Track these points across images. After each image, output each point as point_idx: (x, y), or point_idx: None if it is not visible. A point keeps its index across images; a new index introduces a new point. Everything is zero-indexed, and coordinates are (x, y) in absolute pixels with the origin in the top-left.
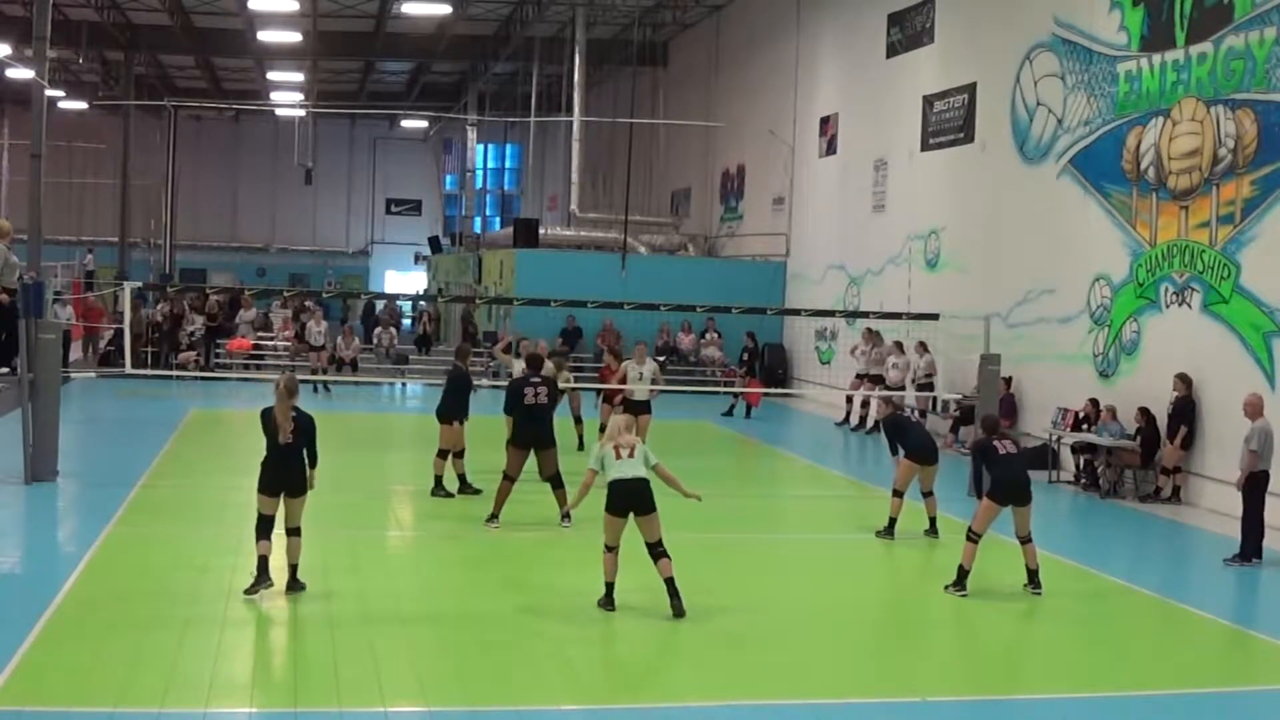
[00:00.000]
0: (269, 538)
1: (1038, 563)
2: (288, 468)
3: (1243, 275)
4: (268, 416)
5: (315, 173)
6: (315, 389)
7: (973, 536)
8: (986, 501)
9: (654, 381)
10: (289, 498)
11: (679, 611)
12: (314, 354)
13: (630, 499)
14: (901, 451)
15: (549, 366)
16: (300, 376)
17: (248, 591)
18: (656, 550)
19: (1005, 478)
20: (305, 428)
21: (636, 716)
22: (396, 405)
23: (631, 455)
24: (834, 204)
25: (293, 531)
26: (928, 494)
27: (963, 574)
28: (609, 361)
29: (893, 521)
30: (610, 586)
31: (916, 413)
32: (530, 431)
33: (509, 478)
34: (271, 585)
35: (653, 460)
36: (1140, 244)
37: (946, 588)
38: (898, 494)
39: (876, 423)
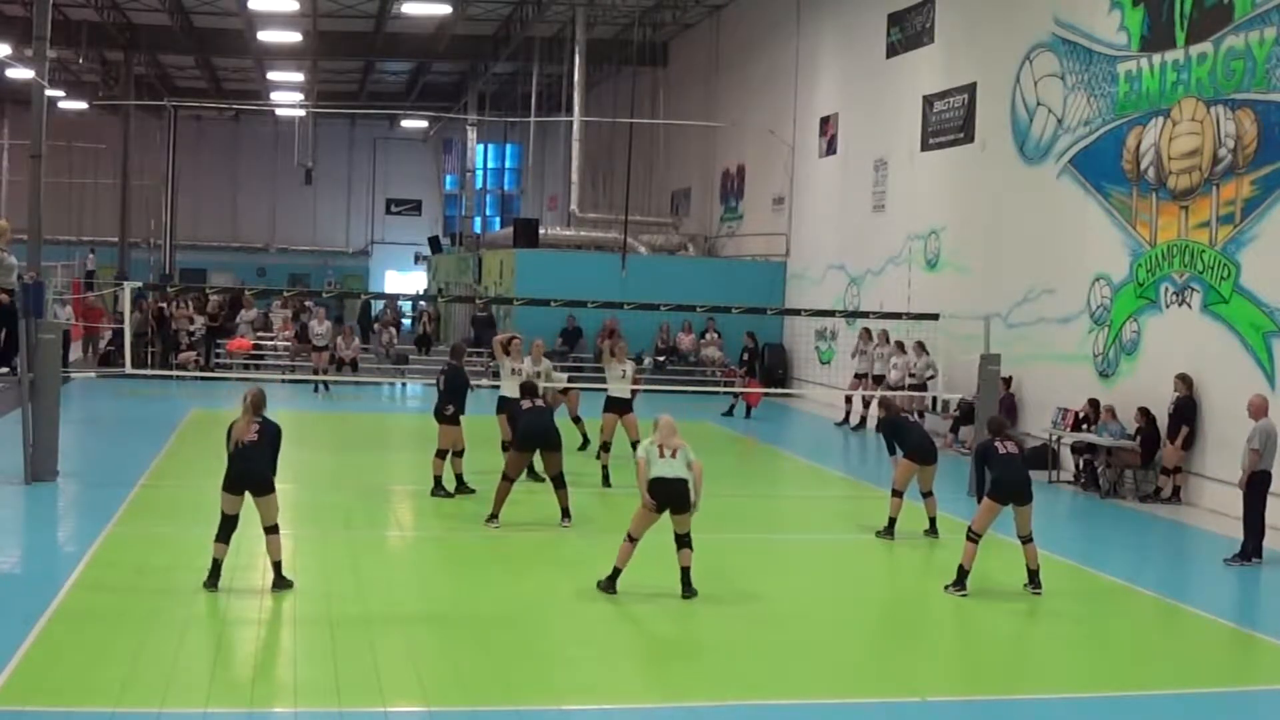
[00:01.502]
0: (227, 541)
1: (1038, 563)
2: (250, 466)
3: (1243, 275)
4: (231, 428)
5: (315, 173)
6: (316, 389)
7: (973, 536)
8: (987, 501)
9: (633, 380)
10: (255, 496)
11: (689, 595)
12: (316, 354)
13: (670, 498)
14: (900, 452)
15: (546, 365)
16: (301, 376)
17: (206, 586)
18: (682, 540)
19: (1005, 478)
20: (270, 433)
21: (637, 716)
22: (396, 405)
23: (674, 456)
24: (834, 204)
25: (270, 530)
26: (927, 494)
27: (963, 574)
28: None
29: (892, 521)
30: (618, 572)
31: (916, 413)
32: (534, 430)
33: (508, 478)
34: (216, 590)
35: (692, 457)
36: (1140, 244)
37: (946, 588)
38: (897, 494)
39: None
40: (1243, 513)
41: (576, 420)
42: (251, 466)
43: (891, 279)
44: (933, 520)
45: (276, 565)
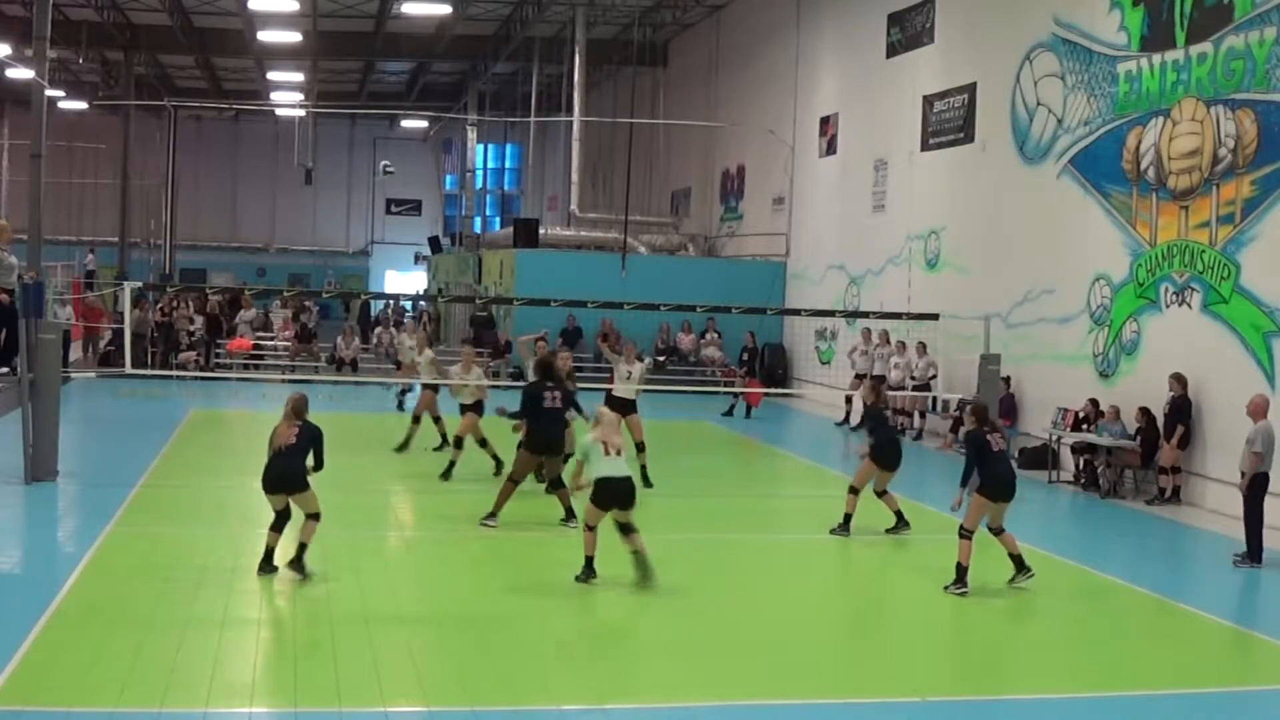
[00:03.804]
0: (279, 530)
1: (1018, 548)
2: (284, 469)
3: (1243, 275)
4: (274, 433)
5: (315, 173)
6: (400, 404)
7: (965, 534)
8: (978, 499)
9: (641, 381)
10: (291, 495)
11: (647, 582)
12: (405, 368)
13: (617, 497)
14: (870, 441)
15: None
16: (300, 377)
17: (260, 571)
18: (626, 528)
19: (999, 475)
20: (311, 435)
21: (636, 716)
22: (396, 405)
23: (620, 454)
24: (834, 204)
25: (310, 516)
26: (882, 493)
27: (962, 572)
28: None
29: (848, 518)
30: (590, 560)
31: (918, 414)
32: (549, 434)
33: (514, 480)
34: (269, 574)
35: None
36: (1140, 244)
37: (947, 587)
38: (853, 491)
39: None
40: (1244, 514)
41: (436, 419)
42: (285, 470)
43: (891, 279)
44: (899, 514)
45: (302, 546)
